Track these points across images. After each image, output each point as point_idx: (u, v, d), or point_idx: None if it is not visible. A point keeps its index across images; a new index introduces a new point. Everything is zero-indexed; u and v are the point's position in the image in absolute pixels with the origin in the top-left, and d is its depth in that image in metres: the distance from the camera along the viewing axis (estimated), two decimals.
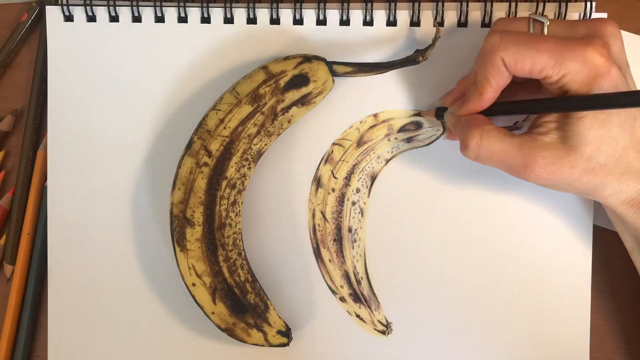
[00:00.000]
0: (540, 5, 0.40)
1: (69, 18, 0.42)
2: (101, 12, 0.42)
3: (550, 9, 0.41)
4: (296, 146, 0.42)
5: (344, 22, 0.41)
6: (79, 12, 0.42)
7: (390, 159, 0.42)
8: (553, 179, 0.33)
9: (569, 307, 0.41)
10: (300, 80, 0.38)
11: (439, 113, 0.39)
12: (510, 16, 0.40)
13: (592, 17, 0.40)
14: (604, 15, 0.41)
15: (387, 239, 0.42)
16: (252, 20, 0.42)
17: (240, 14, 0.41)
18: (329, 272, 0.42)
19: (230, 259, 0.39)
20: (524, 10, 0.41)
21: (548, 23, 0.35)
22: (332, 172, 0.42)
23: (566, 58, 0.32)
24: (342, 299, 0.42)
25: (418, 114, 0.42)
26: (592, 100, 0.31)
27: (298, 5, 0.41)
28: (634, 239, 0.37)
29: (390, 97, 0.42)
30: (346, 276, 0.42)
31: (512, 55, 0.32)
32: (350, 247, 0.42)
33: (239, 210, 0.40)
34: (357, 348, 0.42)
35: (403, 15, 0.41)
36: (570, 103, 0.32)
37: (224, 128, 0.38)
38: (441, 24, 0.41)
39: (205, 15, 0.42)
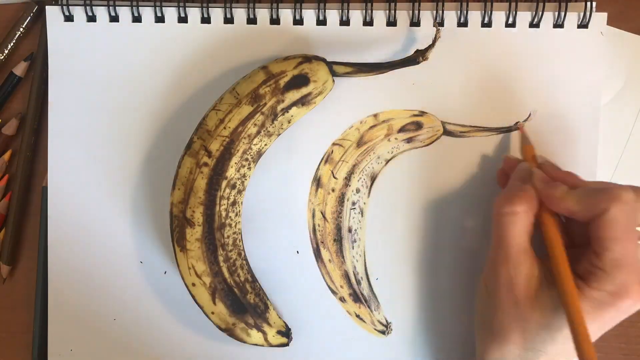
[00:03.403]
0: (540, 5, 0.40)
1: (69, 18, 0.42)
2: (101, 12, 0.42)
3: (550, 9, 0.41)
4: (296, 146, 0.42)
5: (344, 22, 0.41)
6: (79, 12, 0.42)
7: (390, 159, 0.42)
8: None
9: None
10: (300, 80, 0.38)
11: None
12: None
13: (592, 17, 0.40)
14: (604, 14, 0.41)
15: (387, 239, 0.42)
16: (252, 20, 0.42)
17: (240, 14, 0.41)
18: (329, 272, 0.42)
19: (230, 259, 0.39)
20: (524, 10, 0.41)
21: None
22: (332, 172, 0.42)
23: (620, 275, 0.32)
24: (342, 299, 0.42)
25: (419, 115, 0.42)
26: None
27: (298, 5, 0.41)
28: None
29: (390, 97, 0.42)
30: (346, 276, 0.42)
31: (616, 218, 0.32)
32: (350, 247, 0.42)
33: (239, 210, 0.40)
34: (357, 348, 0.42)
35: (403, 15, 0.41)
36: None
37: (224, 128, 0.38)
38: (441, 24, 0.41)
39: (205, 15, 0.41)
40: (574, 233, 0.36)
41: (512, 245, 0.34)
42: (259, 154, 0.40)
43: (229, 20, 0.42)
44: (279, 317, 0.40)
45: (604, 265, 0.32)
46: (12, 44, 0.44)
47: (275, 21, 0.41)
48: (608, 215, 0.32)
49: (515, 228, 0.34)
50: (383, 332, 0.42)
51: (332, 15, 0.41)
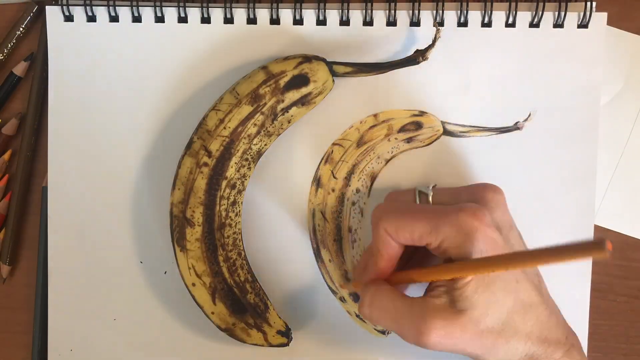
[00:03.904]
0: (540, 5, 0.40)
1: (69, 18, 0.42)
2: (101, 12, 0.42)
3: (550, 9, 0.41)
4: (296, 146, 0.42)
5: (344, 22, 0.41)
6: (79, 12, 0.42)
7: (390, 159, 0.42)
8: (446, 343, 0.33)
9: (569, 307, 0.41)
10: (300, 80, 0.38)
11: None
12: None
13: (592, 17, 0.40)
14: (604, 14, 0.41)
15: None
16: (252, 20, 0.42)
17: (240, 14, 0.41)
18: (329, 272, 0.42)
19: (230, 259, 0.39)
20: (524, 10, 0.41)
21: (432, 193, 0.37)
22: (332, 172, 0.42)
23: (440, 224, 0.32)
24: (342, 299, 0.42)
25: (419, 115, 0.42)
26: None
27: (298, 5, 0.41)
28: None
29: (390, 97, 0.42)
30: (346, 276, 0.42)
31: (393, 226, 0.34)
32: (350, 247, 0.42)
33: (239, 210, 0.40)
34: (357, 348, 0.42)
35: (403, 15, 0.41)
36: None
37: (224, 128, 0.38)
38: (441, 24, 0.41)
39: (205, 15, 0.41)
40: (423, 258, 0.38)
41: (400, 317, 0.34)
42: (259, 154, 0.40)
43: (229, 20, 0.42)
44: (279, 317, 0.40)
45: (435, 241, 0.33)
46: (12, 44, 0.44)
47: (275, 21, 0.41)
48: (383, 229, 0.34)
49: (382, 302, 0.34)
50: (383, 332, 0.42)
51: (332, 15, 0.41)
